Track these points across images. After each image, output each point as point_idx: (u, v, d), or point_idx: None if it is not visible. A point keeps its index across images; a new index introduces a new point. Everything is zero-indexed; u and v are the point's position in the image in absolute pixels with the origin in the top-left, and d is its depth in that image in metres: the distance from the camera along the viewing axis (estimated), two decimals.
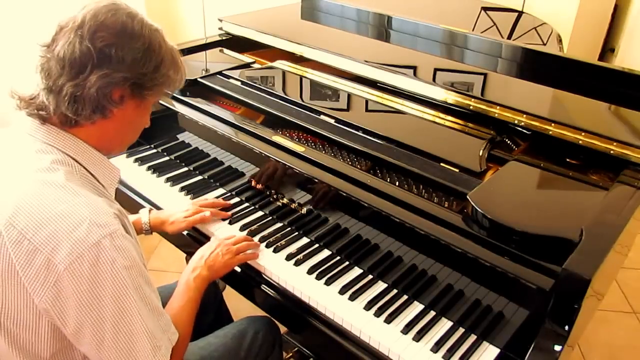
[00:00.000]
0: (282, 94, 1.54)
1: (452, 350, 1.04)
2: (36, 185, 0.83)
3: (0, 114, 1.22)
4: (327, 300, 1.15)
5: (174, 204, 1.44)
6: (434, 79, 1.58)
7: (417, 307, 1.14)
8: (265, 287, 1.23)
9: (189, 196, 1.48)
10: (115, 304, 0.81)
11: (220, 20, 1.98)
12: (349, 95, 1.55)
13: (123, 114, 0.92)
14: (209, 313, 1.45)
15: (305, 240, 1.32)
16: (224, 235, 1.32)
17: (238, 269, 1.26)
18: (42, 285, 0.79)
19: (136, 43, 0.87)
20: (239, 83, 1.62)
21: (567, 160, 1.27)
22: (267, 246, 1.29)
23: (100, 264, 0.79)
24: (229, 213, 1.40)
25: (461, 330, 1.09)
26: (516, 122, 1.34)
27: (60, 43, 0.84)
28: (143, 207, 1.42)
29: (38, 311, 0.82)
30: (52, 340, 0.85)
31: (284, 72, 1.69)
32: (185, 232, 1.38)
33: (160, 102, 1.54)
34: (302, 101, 1.51)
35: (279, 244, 1.29)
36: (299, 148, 1.31)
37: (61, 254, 0.78)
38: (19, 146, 0.90)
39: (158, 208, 1.46)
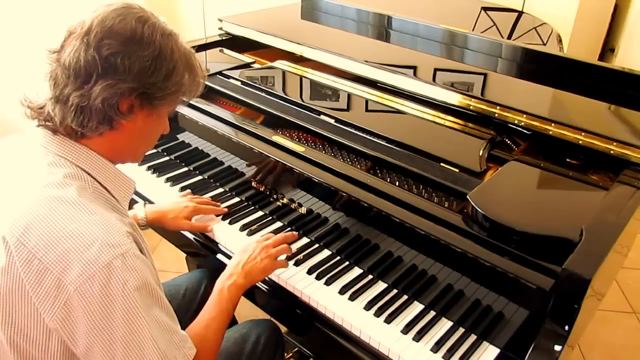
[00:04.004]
0: (282, 94, 1.54)
1: (452, 350, 1.04)
2: (48, 202, 0.81)
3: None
4: (327, 300, 1.15)
5: None
6: (434, 79, 1.58)
7: (417, 307, 1.14)
8: (265, 287, 1.23)
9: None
10: (126, 326, 0.79)
11: (220, 20, 1.98)
12: (349, 95, 1.55)
13: (133, 126, 0.88)
14: None
15: (305, 240, 1.32)
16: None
17: None
18: (52, 305, 0.78)
19: (145, 51, 0.83)
20: (239, 83, 1.62)
21: (567, 160, 1.27)
22: None
23: (111, 285, 0.77)
24: (226, 209, 1.40)
25: (461, 330, 1.09)
26: (516, 122, 1.34)
27: (67, 50, 0.82)
28: None
29: (48, 329, 0.80)
30: (62, 358, 0.83)
31: (284, 72, 1.69)
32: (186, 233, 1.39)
33: None
34: (302, 101, 1.51)
35: None
36: (299, 148, 1.31)
37: (72, 274, 0.76)
38: (32, 158, 0.87)
39: None
